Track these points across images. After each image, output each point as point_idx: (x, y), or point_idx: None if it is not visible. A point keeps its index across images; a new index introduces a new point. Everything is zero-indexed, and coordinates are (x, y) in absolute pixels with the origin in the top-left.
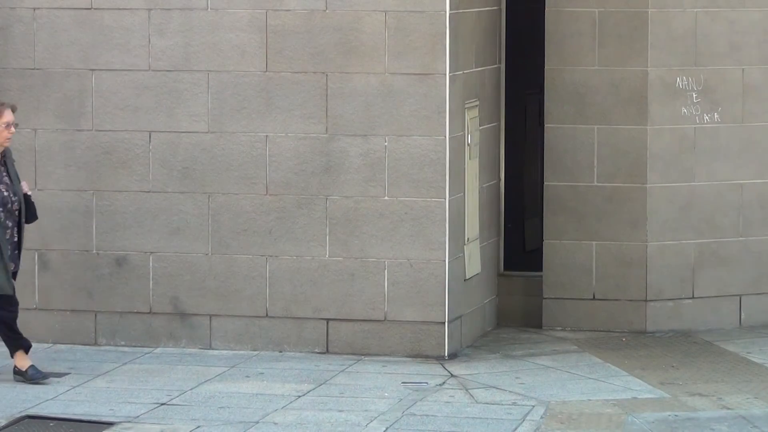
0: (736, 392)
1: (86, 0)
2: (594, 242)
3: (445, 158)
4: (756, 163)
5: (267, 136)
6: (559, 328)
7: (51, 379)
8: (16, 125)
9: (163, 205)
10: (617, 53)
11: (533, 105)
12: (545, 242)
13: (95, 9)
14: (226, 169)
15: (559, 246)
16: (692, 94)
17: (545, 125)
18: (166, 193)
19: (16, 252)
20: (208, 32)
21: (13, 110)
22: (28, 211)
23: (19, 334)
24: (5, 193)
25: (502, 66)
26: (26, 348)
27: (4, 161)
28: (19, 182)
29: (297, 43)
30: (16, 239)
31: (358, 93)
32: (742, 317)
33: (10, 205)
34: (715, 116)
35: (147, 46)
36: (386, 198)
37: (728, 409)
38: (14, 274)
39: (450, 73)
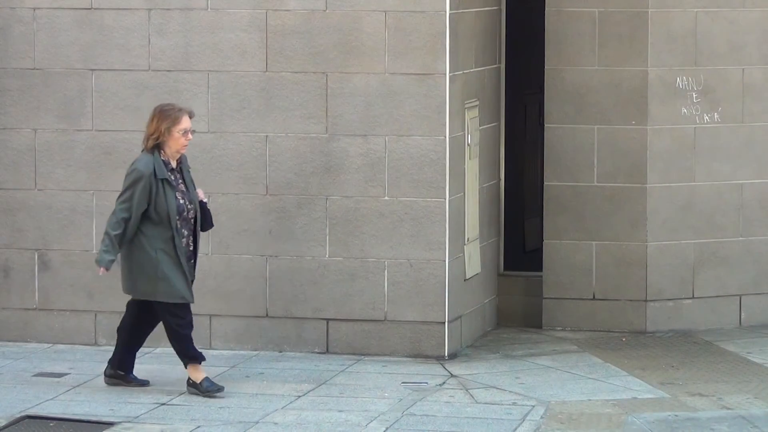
0: (736, 392)
1: (86, 0)
2: (594, 242)
3: (445, 158)
4: (756, 163)
5: (267, 136)
6: (559, 328)
7: (225, 391)
8: (192, 132)
9: None
10: (617, 53)
11: (533, 105)
12: (545, 242)
13: (95, 9)
14: (226, 169)
15: (559, 246)
16: (692, 94)
17: (545, 125)
18: None
19: (192, 261)
20: (208, 32)
21: (191, 116)
22: (203, 219)
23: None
24: (181, 201)
25: (502, 66)
26: (200, 360)
27: (180, 168)
28: (194, 189)
29: (297, 43)
30: (191, 248)
31: (358, 93)
32: (742, 317)
33: (186, 213)
34: (715, 116)
35: (147, 46)
36: (386, 198)
37: (728, 409)
38: (191, 282)
39: (450, 73)
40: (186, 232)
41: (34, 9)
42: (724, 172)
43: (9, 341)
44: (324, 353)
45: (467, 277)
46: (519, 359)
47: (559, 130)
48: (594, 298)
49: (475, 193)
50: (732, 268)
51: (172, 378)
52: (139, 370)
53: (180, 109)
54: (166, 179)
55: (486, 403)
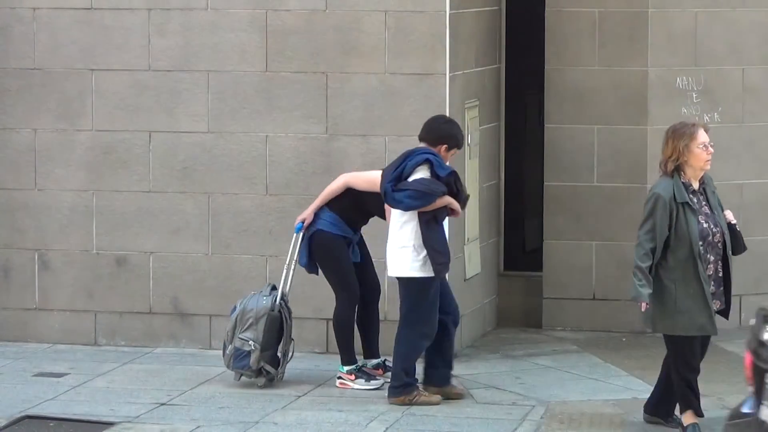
0: (736, 392)
1: (86, 0)
2: (594, 242)
3: None
4: (756, 163)
5: (267, 136)
6: (559, 328)
7: None
8: (711, 144)
9: (163, 205)
10: (617, 53)
11: (533, 105)
12: (545, 242)
13: (95, 9)
14: (226, 169)
15: (559, 246)
16: (692, 94)
17: (545, 125)
18: (166, 193)
19: (721, 288)
20: (208, 32)
21: (706, 130)
22: (735, 243)
23: (696, 391)
24: (704, 225)
25: (502, 66)
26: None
27: (703, 189)
28: (722, 211)
29: (297, 43)
30: (720, 274)
31: (358, 93)
32: (742, 317)
33: (710, 238)
34: (715, 116)
35: (147, 46)
36: None
37: (728, 409)
38: (724, 311)
39: (450, 73)
40: (712, 258)
41: (34, 9)
42: (724, 172)
43: (9, 341)
44: (324, 353)
45: (467, 277)
46: (519, 359)
47: (559, 130)
48: (594, 298)
49: (475, 193)
50: (732, 268)
51: (172, 378)
52: (139, 370)
53: (693, 124)
54: (687, 203)
55: (486, 403)
